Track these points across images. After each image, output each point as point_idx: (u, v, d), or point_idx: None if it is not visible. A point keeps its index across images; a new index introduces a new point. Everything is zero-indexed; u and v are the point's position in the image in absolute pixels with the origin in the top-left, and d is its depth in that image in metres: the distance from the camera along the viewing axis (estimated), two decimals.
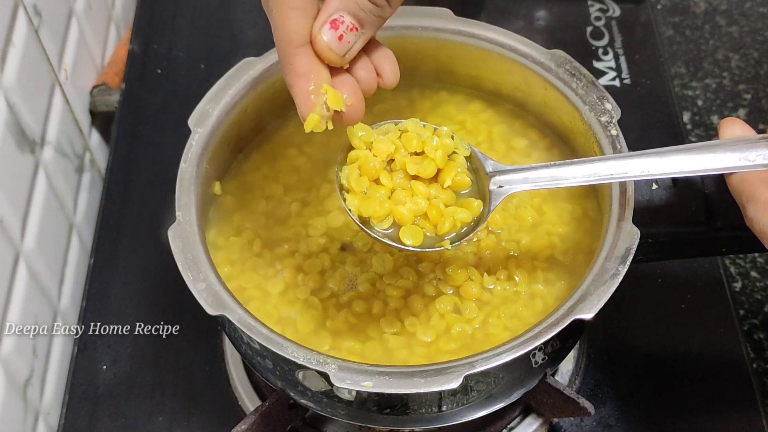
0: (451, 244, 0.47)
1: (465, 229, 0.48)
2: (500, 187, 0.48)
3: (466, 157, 0.50)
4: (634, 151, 0.48)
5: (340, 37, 0.43)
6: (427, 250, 0.47)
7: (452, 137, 0.49)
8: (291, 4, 0.42)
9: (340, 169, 0.48)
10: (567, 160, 0.48)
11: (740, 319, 0.67)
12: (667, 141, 0.57)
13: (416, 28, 0.59)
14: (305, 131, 0.44)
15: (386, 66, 0.46)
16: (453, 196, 0.49)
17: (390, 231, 0.48)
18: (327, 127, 0.44)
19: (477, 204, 0.48)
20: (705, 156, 0.46)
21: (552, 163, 0.49)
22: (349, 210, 0.47)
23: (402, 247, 0.47)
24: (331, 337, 0.51)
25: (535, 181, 0.48)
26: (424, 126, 0.50)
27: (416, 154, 0.49)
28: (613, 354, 0.64)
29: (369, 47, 0.45)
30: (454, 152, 0.49)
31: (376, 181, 0.48)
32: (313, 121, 0.44)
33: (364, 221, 0.47)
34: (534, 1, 0.86)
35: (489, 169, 0.49)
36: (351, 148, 0.49)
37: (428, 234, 0.48)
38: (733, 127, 0.47)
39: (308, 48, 0.43)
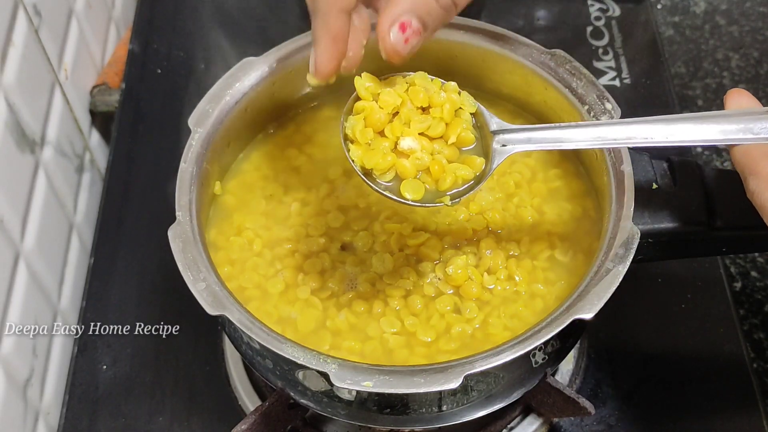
0: (451, 200, 0.47)
1: (465, 186, 0.48)
2: (503, 146, 0.48)
3: (471, 114, 0.49)
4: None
5: (406, 40, 0.44)
6: (426, 205, 0.47)
7: (459, 93, 0.49)
8: None
9: (345, 119, 0.48)
10: (572, 123, 0.48)
11: (740, 319, 0.66)
12: None
13: None
14: (309, 83, 0.47)
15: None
16: (456, 152, 0.48)
17: (391, 184, 0.47)
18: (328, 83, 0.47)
19: (479, 161, 0.48)
20: (710, 126, 0.45)
21: (556, 124, 0.48)
22: (352, 161, 0.47)
23: (402, 201, 0.47)
24: (331, 337, 0.51)
25: (538, 141, 0.48)
26: (432, 80, 0.49)
27: (422, 108, 0.48)
28: (613, 354, 0.64)
29: None
30: (459, 108, 0.49)
31: (381, 133, 0.47)
32: (314, 80, 0.46)
33: (367, 173, 0.47)
34: (534, 1, 0.86)
35: (493, 127, 0.48)
36: (358, 98, 0.48)
37: (429, 188, 0.47)
38: (740, 98, 0.46)
39: (348, 15, 0.45)
